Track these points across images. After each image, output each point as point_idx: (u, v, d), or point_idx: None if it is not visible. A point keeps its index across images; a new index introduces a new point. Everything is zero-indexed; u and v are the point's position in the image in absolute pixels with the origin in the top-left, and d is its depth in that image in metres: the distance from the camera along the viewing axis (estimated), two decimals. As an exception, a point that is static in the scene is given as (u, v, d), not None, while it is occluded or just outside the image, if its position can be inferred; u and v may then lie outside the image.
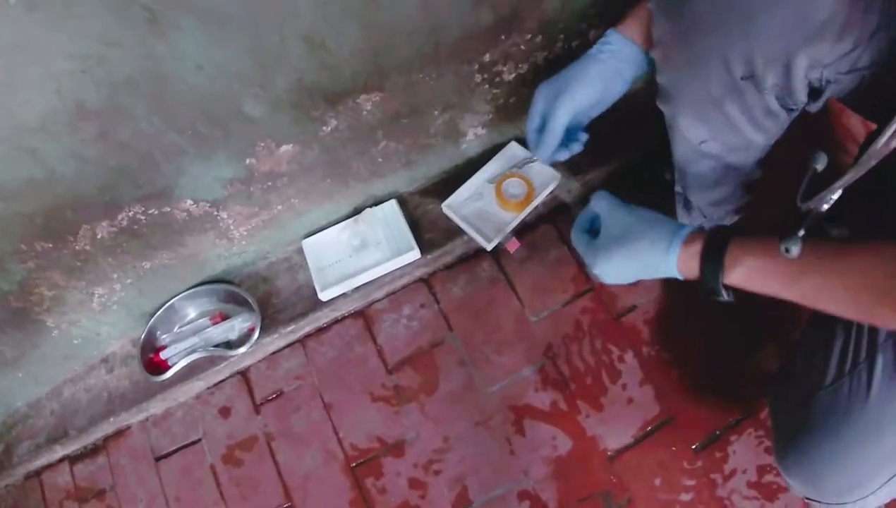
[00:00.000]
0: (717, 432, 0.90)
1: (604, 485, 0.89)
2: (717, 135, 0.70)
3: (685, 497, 0.88)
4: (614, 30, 0.73)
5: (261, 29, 0.71)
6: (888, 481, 0.63)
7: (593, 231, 0.70)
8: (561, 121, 0.74)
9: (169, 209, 0.86)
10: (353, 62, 0.80)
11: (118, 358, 1.01)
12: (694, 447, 0.90)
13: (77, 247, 0.84)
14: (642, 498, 0.88)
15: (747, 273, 0.57)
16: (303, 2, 0.70)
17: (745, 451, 0.89)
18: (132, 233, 0.86)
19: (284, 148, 0.86)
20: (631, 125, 1.01)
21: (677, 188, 0.89)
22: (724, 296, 0.60)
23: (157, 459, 0.98)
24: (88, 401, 0.99)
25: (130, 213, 0.84)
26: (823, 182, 0.52)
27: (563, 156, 0.79)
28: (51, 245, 0.82)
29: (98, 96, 0.68)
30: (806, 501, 0.76)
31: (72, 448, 1.00)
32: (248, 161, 0.85)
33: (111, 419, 0.96)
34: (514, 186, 1.00)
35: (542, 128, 0.76)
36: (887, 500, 0.71)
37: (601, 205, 0.69)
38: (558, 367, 0.96)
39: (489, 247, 0.98)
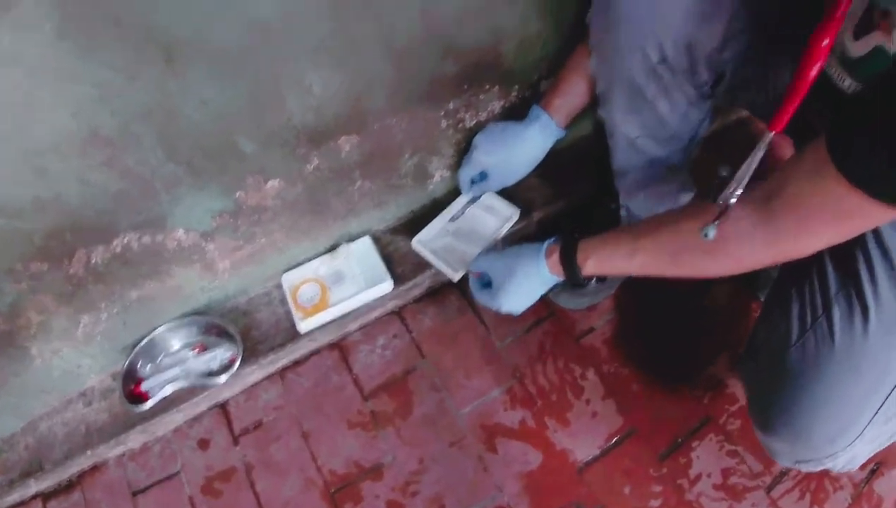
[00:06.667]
0: (679, 439, 0.95)
1: (576, 496, 0.91)
2: (646, 128, 0.84)
3: (654, 503, 0.91)
4: (538, 107, 0.93)
5: (259, 72, 0.82)
6: (872, 420, 0.66)
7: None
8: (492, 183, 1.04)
9: (162, 238, 0.92)
10: (335, 105, 0.92)
11: (97, 392, 1.01)
12: (658, 455, 0.94)
13: (70, 271, 0.88)
14: (614, 507, 0.90)
15: (596, 263, 0.77)
16: (298, 50, 0.82)
17: (708, 455, 0.94)
18: (124, 260, 0.92)
19: (271, 183, 0.96)
20: (576, 171, 1.17)
21: (622, 211, 1.01)
22: (586, 284, 0.90)
23: (135, 494, 0.96)
24: (65, 434, 0.97)
25: (125, 240, 0.89)
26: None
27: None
28: (46, 266, 0.85)
29: (111, 124, 0.76)
30: (796, 468, 0.80)
31: (46, 483, 0.96)
32: (237, 194, 0.94)
33: (88, 452, 0.95)
34: (309, 291, 1.05)
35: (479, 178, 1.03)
36: (876, 449, 0.74)
37: (481, 264, 0.93)
38: (525, 387, 1.01)
39: (456, 278, 1.06)
